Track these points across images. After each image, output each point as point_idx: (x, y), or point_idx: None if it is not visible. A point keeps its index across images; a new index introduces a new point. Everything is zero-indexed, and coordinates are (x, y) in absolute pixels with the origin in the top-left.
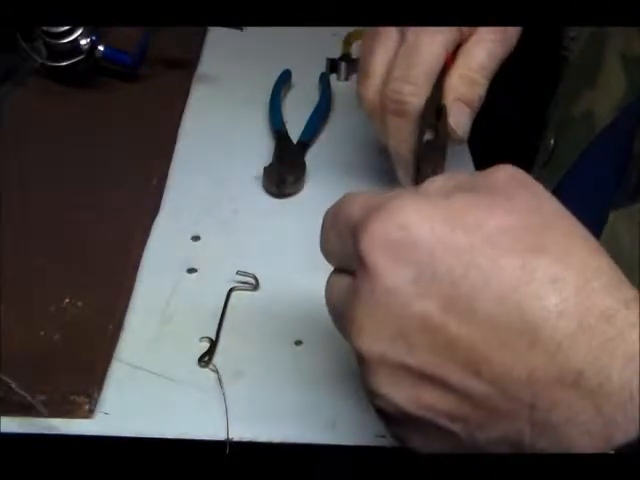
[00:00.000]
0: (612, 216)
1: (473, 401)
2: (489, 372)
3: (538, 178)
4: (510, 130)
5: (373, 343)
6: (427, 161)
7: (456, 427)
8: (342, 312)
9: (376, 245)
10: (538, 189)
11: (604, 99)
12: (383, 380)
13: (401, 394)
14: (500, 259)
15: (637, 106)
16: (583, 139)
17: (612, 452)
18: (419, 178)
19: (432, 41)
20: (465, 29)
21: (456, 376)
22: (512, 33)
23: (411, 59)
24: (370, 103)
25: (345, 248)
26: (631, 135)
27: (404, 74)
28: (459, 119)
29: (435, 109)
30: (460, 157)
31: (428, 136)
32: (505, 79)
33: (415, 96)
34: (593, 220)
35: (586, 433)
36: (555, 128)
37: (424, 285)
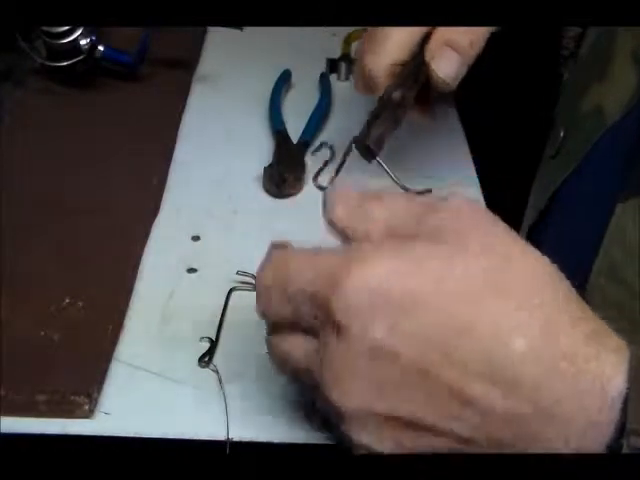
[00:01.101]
0: (619, 207)
1: (454, 440)
2: (470, 414)
3: (547, 170)
4: (512, 121)
5: (358, 399)
6: (381, 119)
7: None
8: (310, 373)
9: (350, 308)
10: (487, 223)
11: (614, 94)
12: (367, 432)
13: (385, 443)
14: (464, 309)
15: None
16: (593, 132)
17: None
18: (368, 134)
19: None
20: None
21: (439, 421)
22: None
23: (374, 29)
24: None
25: (297, 310)
26: None
27: (366, 39)
28: (444, 63)
29: (413, 71)
30: (458, 155)
31: (396, 95)
32: (507, 72)
33: (371, 59)
34: (601, 212)
35: None
36: (564, 121)
37: (400, 337)
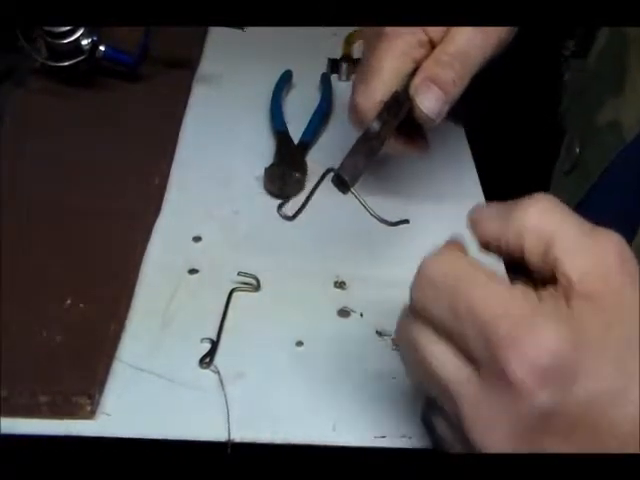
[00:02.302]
0: None
1: None
2: None
3: (562, 186)
4: (513, 125)
5: (503, 444)
6: (357, 150)
7: None
8: (447, 391)
9: (527, 368)
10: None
11: (631, 108)
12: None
13: None
14: (619, 375)
15: None
16: (611, 148)
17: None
18: (342, 164)
19: (388, 45)
20: (434, 32)
21: None
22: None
23: (365, 63)
24: None
25: (459, 327)
26: None
27: (357, 75)
28: (426, 98)
29: (393, 104)
30: (462, 166)
31: (375, 127)
32: (506, 72)
33: (362, 95)
34: (624, 228)
35: None
36: (580, 135)
37: (564, 404)
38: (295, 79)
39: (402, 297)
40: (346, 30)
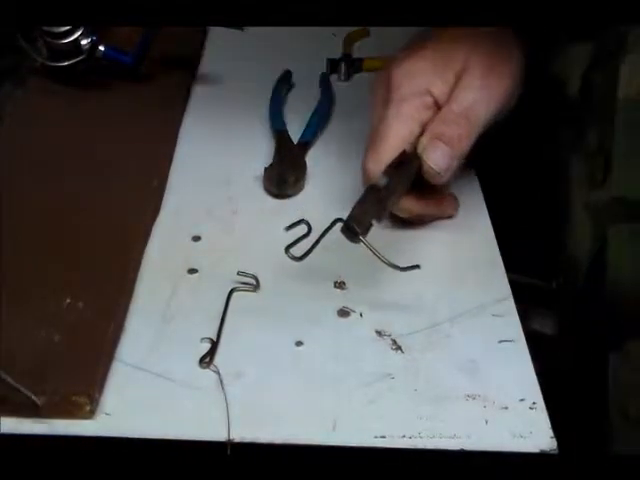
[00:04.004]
0: None
1: None
2: None
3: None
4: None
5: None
6: (366, 203)
7: None
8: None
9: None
10: None
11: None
12: None
13: None
14: None
15: None
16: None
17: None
18: (351, 214)
19: (396, 111)
20: (439, 94)
21: None
22: (497, 82)
23: (374, 129)
24: None
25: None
26: None
27: (368, 141)
28: (433, 153)
29: (402, 162)
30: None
31: (382, 182)
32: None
33: (371, 161)
34: None
35: None
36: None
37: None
38: (295, 79)
39: (401, 297)
40: (345, 30)
